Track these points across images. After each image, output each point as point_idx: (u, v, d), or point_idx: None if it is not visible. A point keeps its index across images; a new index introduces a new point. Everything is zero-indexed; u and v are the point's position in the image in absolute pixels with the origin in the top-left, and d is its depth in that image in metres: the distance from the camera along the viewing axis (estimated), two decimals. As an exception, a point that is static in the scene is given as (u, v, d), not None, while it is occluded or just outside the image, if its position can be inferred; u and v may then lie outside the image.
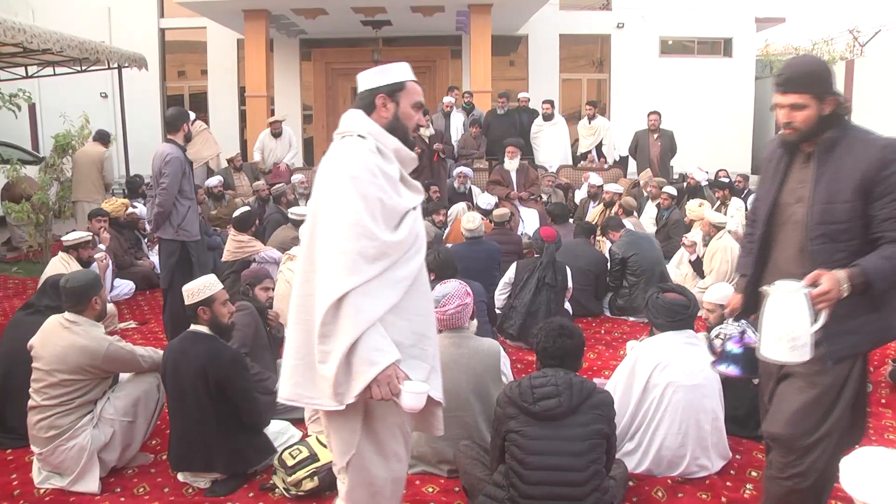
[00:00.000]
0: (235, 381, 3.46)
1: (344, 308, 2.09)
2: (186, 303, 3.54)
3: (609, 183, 8.99)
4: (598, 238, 7.37)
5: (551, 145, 11.12)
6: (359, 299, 2.09)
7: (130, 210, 8.03)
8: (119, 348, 3.58)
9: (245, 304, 4.22)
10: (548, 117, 11.03)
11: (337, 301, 2.08)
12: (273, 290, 4.85)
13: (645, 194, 9.31)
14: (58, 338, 3.50)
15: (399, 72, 2.49)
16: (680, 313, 3.63)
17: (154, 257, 7.80)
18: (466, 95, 11.93)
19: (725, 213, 8.31)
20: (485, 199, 8.19)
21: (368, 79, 2.46)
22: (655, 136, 10.43)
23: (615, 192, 8.33)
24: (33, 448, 3.55)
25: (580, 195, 9.92)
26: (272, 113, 13.70)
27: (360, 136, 2.31)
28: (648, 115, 10.58)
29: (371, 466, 2.30)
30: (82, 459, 3.46)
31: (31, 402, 3.51)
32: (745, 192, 9.49)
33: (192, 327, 3.59)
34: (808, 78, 2.43)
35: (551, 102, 11.12)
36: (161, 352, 3.79)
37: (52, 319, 3.61)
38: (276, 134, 11.11)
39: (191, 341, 3.52)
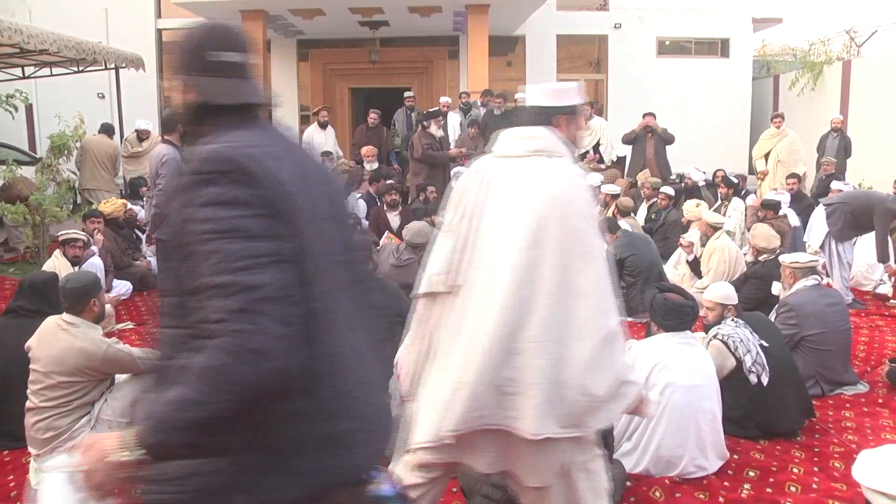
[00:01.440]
0: None
1: (618, 338, 2.15)
2: None
3: (606, 184, 8.99)
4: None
5: (550, 145, 11.09)
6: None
7: (129, 206, 8.08)
8: (118, 350, 3.57)
9: None
10: None
11: (611, 332, 2.13)
12: None
13: (642, 195, 9.31)
14: (56, 339, 3.49)
15: (577, 95, 2.43)
16: (688, 314, 3.65)
17: (151, 258, 7.82)
18: (463, 96, 11.92)
19: (725, 212, 8.33)
20: None
21: (546, 95, 2.39)
22: (650, 135, 10.45)
23: (609, 193, 8.33)
24: (31, 450, 3.54)
25: None
26: (270, 114, 13.66)
27: (568, 159, 2.31)
28: (644, 117, 10.56)
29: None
30: None
31: (28, 404, 3.50)
32: (744, 192, 9.50)
33: None
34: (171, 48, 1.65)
35: None
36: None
37: (49, 321, 3.60)
38: (324, 124, 11.09)
39: None
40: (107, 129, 10.05)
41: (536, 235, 2.12)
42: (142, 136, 10.07)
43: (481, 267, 2.20)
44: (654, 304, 3.74)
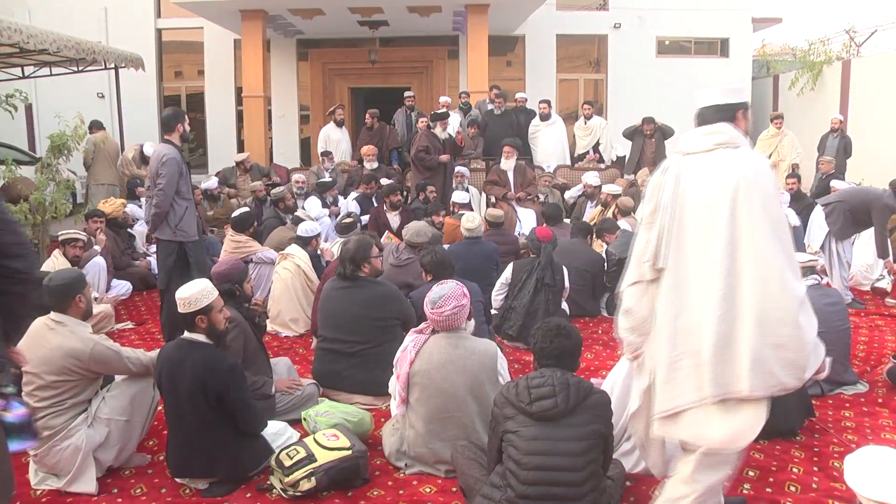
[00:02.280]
0: (233, 391, 3.41)
1: (807, 300, 2.53)
2: (182, 311, 3.44)
3: (607, 183, 8.98)
4: (593, 239, 7.39)
5: (549, 145, 11.12)
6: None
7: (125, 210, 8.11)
8: (105, 348, 3.53)
9: (230, 318, 4.08)
10: (545, 117, 11.02)
11: (803, 294, 2.51)
12: (252, 280, 4.81)
13: (641, 193, 9.30)
14: (44, 340, 3.46)
15: (746, 93, 2.82)
16: None
17: (150, 257, 7.83)
18: (463, 96, 11.91)
19: None
20: (459, 195, 8.17)
21: (727, 94, 2.74)
22: (649, 133, 10.41)
23: (611, 192, 8.33)
24: (29, 451, 3.53)
25: (570, 195, 9.91)
26: (269, 113, 13.67)
27: (749, 148, 2.65)
28: (643, 124, 10.46)
29: None
30: (77, 459, 3.45)
31: None
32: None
33: (187, 335, 3.51)
34: None
35: (548, 102, 11.11)
36: (151, 353, 3.74)
37: (38, 321, 3.56)
38: (340, 122, 11.12)
39: (187, 350, 3.45)
40: (99, 126, 10.13)
41: (733, 214, 2.49)
42: (147, 159, 9.65)
43: (687, 249, 2.59)
44: None
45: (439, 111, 9.55)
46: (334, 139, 11.06)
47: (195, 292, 3.46)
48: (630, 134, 10.68)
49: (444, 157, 8.97)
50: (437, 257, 4.82)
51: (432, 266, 4.79)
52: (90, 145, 9.80)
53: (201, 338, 3.49)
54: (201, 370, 3.35)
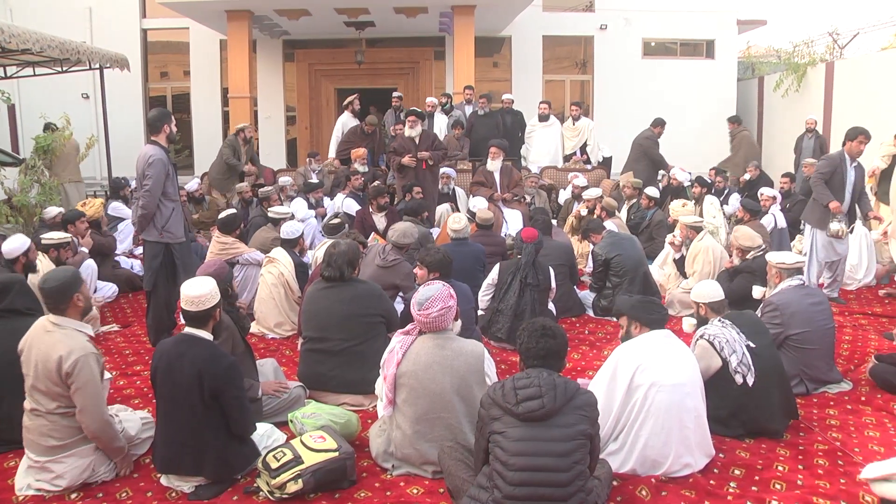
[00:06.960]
0: (230, 389, 3.39)
1: None
2: (202, 308, 3.44)
3: (591, 188, 8.98)
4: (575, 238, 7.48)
5: (543, 146, 11.17)
6: None
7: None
8: (92, 369, 3.36)
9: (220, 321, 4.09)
10: (543, 118, 11.06)
11: None
12: (238, 278, 4.78)
13: (623, 195, 9.33)
14: (41, 342, 3.38)
15: None
16: (657, 306, 3.70)
17: (128, 260, 7.80)
18: (443, 97, 11.89)
19: (701, 211, 8.41)
20: (476, 203, 8.12)
21: None
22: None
23: (593, 197, 8.34)
24: (29, 454, 3.46)
25: (564, 195, 9.96)
26: (255, 114, 13.61)
27: None
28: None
29: None
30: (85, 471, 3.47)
31: (27, 405, 3.44)
32: (727, 190, 9.54)
33: (188, 330, 3.50)
34: None
35: (548, 103, 11.18)
36: (132, 430, 3.74)
37: (37, 323, 3.49)
38: (356, 112, 11.04)
39: (187, 345, 3.43)
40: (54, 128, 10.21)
41: None
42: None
43: None
44: (633, 305, 3.75)
45: (411, 108, 9.45)
46: (350, 127, 10.94)
47: (213, 286, 3.53)
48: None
49: (406, 160, 8.82)
50: (441, 255, 4.83)
51: (440, 265, 4.79)
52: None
53: (205, 334, 3.49)
54: (201, 364, 3.34)
